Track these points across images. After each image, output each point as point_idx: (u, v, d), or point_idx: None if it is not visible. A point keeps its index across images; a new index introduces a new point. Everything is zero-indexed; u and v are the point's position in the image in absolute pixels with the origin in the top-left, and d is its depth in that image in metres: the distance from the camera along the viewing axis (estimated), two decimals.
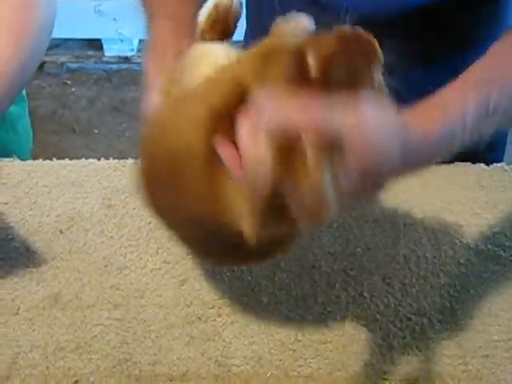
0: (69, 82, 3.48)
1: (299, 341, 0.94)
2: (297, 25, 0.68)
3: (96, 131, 3.17)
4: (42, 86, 3.42)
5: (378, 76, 0.66)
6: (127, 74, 3.48)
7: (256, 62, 0.66)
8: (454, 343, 0.94)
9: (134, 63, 3.53)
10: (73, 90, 3.44)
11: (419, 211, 1.10)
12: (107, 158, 1.21)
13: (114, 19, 3.40)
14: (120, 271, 1.02)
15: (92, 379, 0.90)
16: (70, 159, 1.21)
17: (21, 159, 1.20)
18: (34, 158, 1.21)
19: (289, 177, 0.62)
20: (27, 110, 1.51)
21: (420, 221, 1.09)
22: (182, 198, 0.72)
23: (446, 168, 1.16)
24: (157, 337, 0.94)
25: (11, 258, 1.03)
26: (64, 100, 3.37)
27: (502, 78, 0.83)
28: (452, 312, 0.98)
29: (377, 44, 0.65)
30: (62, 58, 3.53)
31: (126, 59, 3.55)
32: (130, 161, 1.20)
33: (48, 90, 3.42)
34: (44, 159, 1.21)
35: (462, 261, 1.03)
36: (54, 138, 3.12)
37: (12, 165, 1.19)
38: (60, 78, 3.50)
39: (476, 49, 0.91)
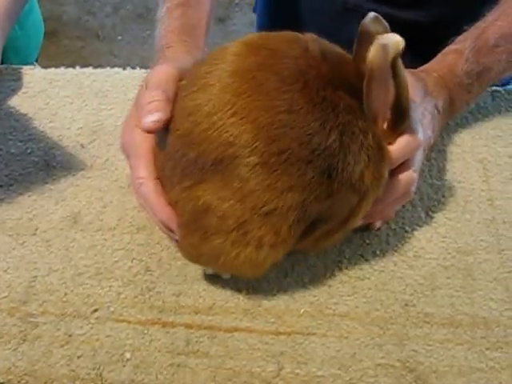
0: None
1: (335, 276, 0.85)
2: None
3: (120, 38, 3.04)
4: None
5: None
6: None
7: None
8: (501, 286, 0.85)
9: None
10: None
11: (468, 139, 0.99)
12: (132, 67, 1.10)
13: None
14: None
15: (112, 309, 0.82)
16: (94, 67, 1.10)
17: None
18: (57, 65, 1.10)
19: None
20: (37, 4, 1.39)
21: (468, 150, 0.98)
22: None
23: (498, 93, 1.04)
24: (183, 265, 0.85)
25: (29, 174, 0.94)
26: (89, 6, 3.22)
27: None
28: (500, 251, 0.88)
29: None
30: None
31: None
32: None
33: None
34: (67, 67, 1.09)
35: None
36: (78, 44, 2.99)
37: (32, 73, 1.08)
38: None
39: None
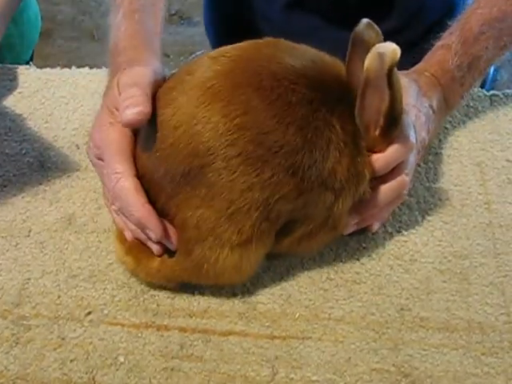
0: None
1: (331, 279, 0.84)
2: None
3: None
4: None
5: None
6: None
7: None
8: (497, 291, 0.84)
9: None
10: None
11: (465, 143, 0.98)
12: None
13: None
14: None
15: (106, 311, 0.81)
16: (90, 67, 1.08)
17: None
18: (52, 66, 1.09)
19: None
20: (35, 2, 1.37)
21: (465, 153, 0.97)
22: None
23: (496, 97, 1.03)
24: None
25: (24, 175, 0.93)
26: (84, 6, 3.19)
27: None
28: (496, 255, 0.87)
29: None
30: None
31: None
32: None
33: None
34: (62, 67, 1.08)
35: (509, 199, 0.92)
36: (73, 45, 2.97)
37: (28, 73, 1.07)
38: None
39: None
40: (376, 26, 0.74)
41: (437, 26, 1.04)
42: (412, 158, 0.83)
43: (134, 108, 0.73)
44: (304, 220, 0.77)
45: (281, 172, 0.72)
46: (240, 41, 0.78)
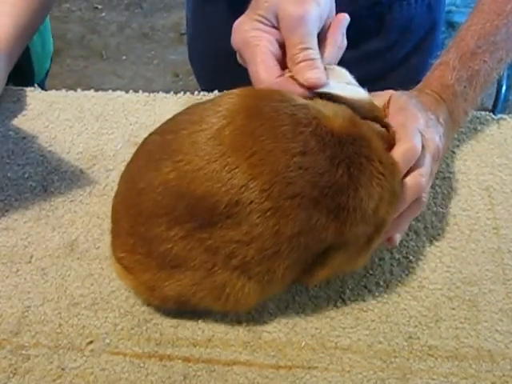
0: (99, 7, 3.29)
1: (338, 307, 0.81)
2: None
3: (124, 58, 3.00)
4: (72, 9, 3.24)
5: None
6: (159, 1, 3.28)
7: None
8: (507, 317, 0.80)
9: None
10: (103, 14, 3.25)
11: (473, 167, 0.95)
12: (135, 89, 1.06)
13: None
14: None
15: (108, 340, 0.77)
16: (96, 87, 1.07)
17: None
18: (60, 84, 1.06)
19: None
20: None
21: (474, 177, 0.94)
22: None
23: (504, 121, 1.00)
24: None
25: (26, 199, 0.90)
26: (93, 25, 3.19)
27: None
28: (505, 281, 0.83)
29: None
30: None
31: None
32: (161, 95, 1.04)
33: (77, 14, 3.23)
34: (69, 87, 1.06)
35: None
36: (82, 64, 2.96)
37: (32, 95, 1.05)
38: (90, 2, 3.31)
39: None
40: None
41: (423, 43, 1.02)
42: (426, 161, 0.80)
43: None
44: (340, 248, 0.74)
45: (324, 216, 0.69)
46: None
